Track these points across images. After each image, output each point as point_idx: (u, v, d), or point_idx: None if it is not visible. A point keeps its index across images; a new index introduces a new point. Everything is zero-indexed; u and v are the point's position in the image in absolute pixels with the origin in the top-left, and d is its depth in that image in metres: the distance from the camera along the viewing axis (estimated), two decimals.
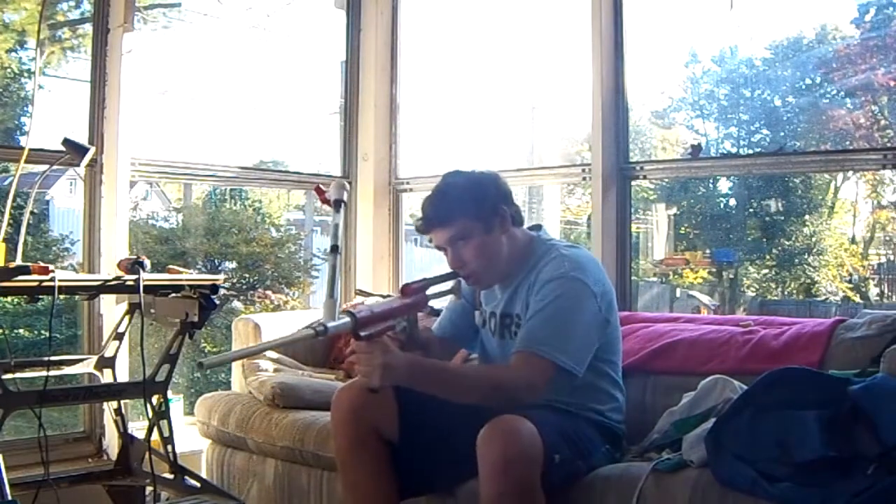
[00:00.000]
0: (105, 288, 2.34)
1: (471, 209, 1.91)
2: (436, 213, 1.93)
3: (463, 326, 2.14)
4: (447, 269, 2.00)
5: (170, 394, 2.44)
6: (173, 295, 2.34)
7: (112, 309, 2.75)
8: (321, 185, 1.98)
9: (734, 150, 8.15)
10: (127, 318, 2.49)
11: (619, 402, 2.03)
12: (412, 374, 1.72)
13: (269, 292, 5.74)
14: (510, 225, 1.96)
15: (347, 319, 1.62)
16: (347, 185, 2.03)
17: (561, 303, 1.85)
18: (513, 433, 1.68)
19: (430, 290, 1.92)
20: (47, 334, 2.36)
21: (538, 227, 2.08)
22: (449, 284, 2.03)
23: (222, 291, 3.29)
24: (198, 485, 2.35)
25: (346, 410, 1.92)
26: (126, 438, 2.49)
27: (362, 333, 1.64)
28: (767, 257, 7.86)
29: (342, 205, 1.94)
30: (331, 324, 1.59)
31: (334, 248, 1.85)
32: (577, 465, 1.85)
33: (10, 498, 1.99)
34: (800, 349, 2.19)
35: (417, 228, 2.00)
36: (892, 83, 6.76)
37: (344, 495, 1.99)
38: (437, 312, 3.00)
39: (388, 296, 3.33)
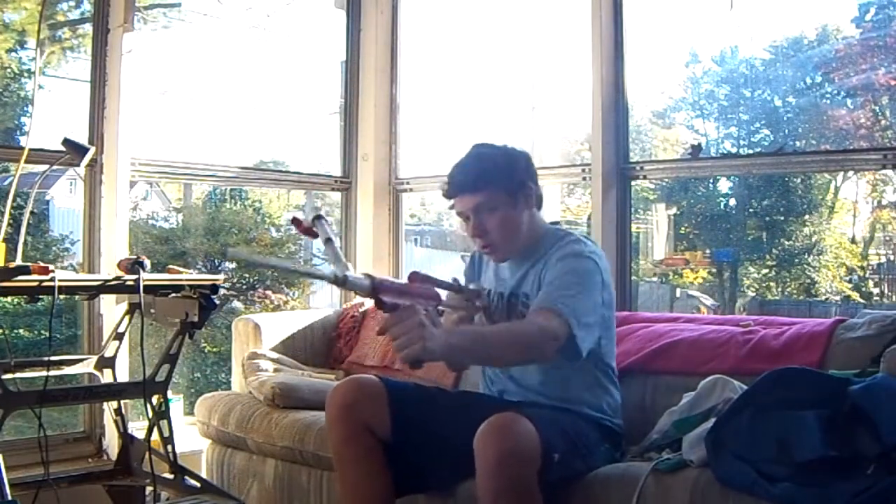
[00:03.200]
0: (105, 288, 2.35)
1: (501, 181, 1.92)
2: (466, 179, 1.93)
3: None
4: (448, 274, 2.00)
5: (170, 394, 2.45)
6: (173, 295, 2.34)
7: (112, 309, 2.75)
8: (296, 217, 1.90)
9: (734, 150, 8.14)
10: (127, 318, 2.49)
11: (616, 402, 2.04)
12: (450, 341, 1.58)
13: (269, 292, 5.74)
14: (534, 204, 1.98)
15: (365, 279, 1.50)
16: (318, 203, 1.98)
17: (581, 273, 1.87)
18: (509, 431, 1.68)
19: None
20: (47, 334, 2.36)
21: (556, 223, 2.11)
22: (471, 286, 2.02)
23: (222, 291, 3.30)
24: (198, 485, 2.36)
25: (338, 407, 1.93)
26: (126, 438, 2.49)
27: (386, 300, 1.51)
28: (767, 257, 7.86)
29: (321, 218, 1.84)
30: (351, 275, 1.48)
31: (328, 241, 1.76)
32: (576, 465, 1.85)
33: (10, 498, 1.99)
34: (800, 349, 2.19)
35: (443, 193, 1.99)
36: (892, 83, 6.76)
37: (340, 492, 2.00)
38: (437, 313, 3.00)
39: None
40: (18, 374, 2.18)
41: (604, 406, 2.00)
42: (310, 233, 1.83)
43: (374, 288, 1.49)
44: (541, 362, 1.84)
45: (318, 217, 1.84)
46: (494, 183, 1.92)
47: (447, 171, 2.01)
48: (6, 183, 3.84)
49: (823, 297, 7.50)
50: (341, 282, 1.47)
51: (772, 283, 7.85)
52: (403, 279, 3.81)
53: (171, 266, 2.49)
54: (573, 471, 1.85)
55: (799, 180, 7.60)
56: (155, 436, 2.37)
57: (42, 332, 4.45)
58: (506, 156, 1.97)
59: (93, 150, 2.45)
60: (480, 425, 1.71)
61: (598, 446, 1.94)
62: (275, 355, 2.87)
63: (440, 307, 1.78)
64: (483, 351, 1.73)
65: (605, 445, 1.96)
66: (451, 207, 2.00)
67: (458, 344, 1.62)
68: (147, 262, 2.30)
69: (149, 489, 2.36)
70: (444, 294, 1.98)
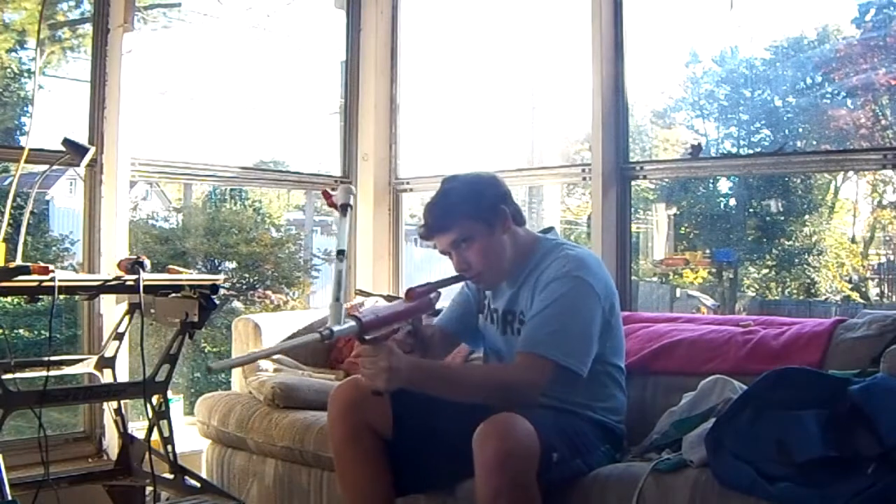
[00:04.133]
0: (105, 288, 2.35)
1: (470, 211, 1.92)
2: (435, 220, 1.94)
3: (465, 322, 2.15)
4: (450, 271, 2.01)
5: (170, 394, 2.45)
6: (173, 295, 2.34)
7: (112, 309, 2.75)
8: (328, 189, 1.97)
9: (734, 150, 8.14)
10: (127, 318, 2.49)
11: (620, 402, 2.03)
12: (416, 377, 1.73)
13: (269, 292, 5.74)
14: (511, 224, 1.97)
15: (353, 324, 1.63)
16: (354, 190, 2.03)
17: (563, 302, 1.86)
18: (508, 430, 1.68)
19: (434, 294, 1.93)
20: (47, 334, 2.35)
21: (550, 230, 2.10)
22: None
23: (222, 291, 3.29)
24: (198, 485, 2.36)
25: (340, 406, 1.94)
26: (126, 438, 2.49)
27: (367, 337, 1.65)
28: (767, 257, 7.86)
29: (349, 209, 1.93)
30: (336, 328, 1.59)
31: (340, 253, 1.84)
32: (575, 465, 1.85)
33: (10, 498, 1.99)
34: (800, 349, 2.19)
35: (420, 235, 2.01)
36: (892, 83, 6.76)
37: (341, 490, 2.00)
38: (437, 312, 3.00)
39: (390, 296, 3.33)
40: (18, 374, 2.18)
41: (605, 406, 2.00)
42: (334, 206, 1.92)
43: (361, 331, 1.64)
44: (515, 407, 1.81)
45: (347, 206, 1.90)
46: (464, 215, 1.91)
47: (445, 173, 2.02)
48: (6, 183, 3.84)
49: (823, 297, 7.50)
50: (328, 337, 1.57)
51: (772, 284, 7.85)
52: (403, 279, 3.82)
53: (171, 266, 2.49)
54: (572, 471, 1.85)
55: (799, 180, 7.60)
56: (155, 436, 2.37)
57: (42, 332, 4.45)
58: (470, 184, 1.96)
59: (93, 150, 2.45)
60: (478, 424, 1.71)
61: (598, 447, 1.94)
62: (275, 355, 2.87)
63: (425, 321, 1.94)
64: (448, 389, 1.82)
65: (605, 446, 1.96)
66: (435, 247, 2.00)
67: (422, 379, 1.76)
68: (147, 262, 2.30)
69: (149, 489, 2.36)
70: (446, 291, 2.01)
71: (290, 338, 2.95)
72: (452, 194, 1.95)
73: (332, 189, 1.97)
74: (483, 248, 1.93)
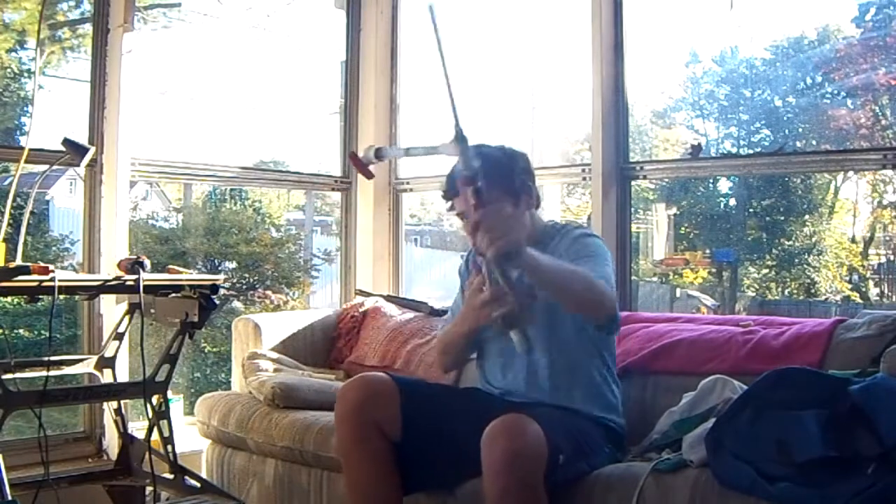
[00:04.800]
0: (105, 288, 2.35)
1: (503, 179, 1.91)
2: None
3: None
4: (450, 272, 2.00)
5: (170, 394, 2.45)
6: (173, 295, 2.34)
7: (112, 309, 2.75)
8: (355, 153, 1.93)
9: (734, 150, 8.14)
10: (127, 318, 2.49)
11: (617, 403, 2.05)
12: (535, 255, 1.64)
13: (269, 292, 5.74)
14: (534, 204, 1.99)
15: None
16: (372, 145, 1.96)
17: (600, 251, 1.93)
18: (517, 431, 1.68)
19: None
20: (47, 334, 2.35)
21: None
22: None
23: (222, 291, 3.30)
24: (198, 485, 2.36)
25: (350, 405, 1.92)
26: (126, 438, 2.49)
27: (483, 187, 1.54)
28: (767, 257, 7.86)
29: (381, 151, 1.87)
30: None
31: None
32: (580, 466, 1.85)
33: (10, 498, 1.99)
34: (800, 349, 2.19)
35: (443, 194, 1.99)
36: (893, 83, 6.75)
37: (346, 491, 1.99)
38: (438, 312, 3.01)
39: (390, 297, 3.33)
40: (18, 374, 2.18)
41: (606, 406, 2.00)
42: (366, 171, 1.88)
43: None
44: (594, 315, 1.83)
45: (379, 151, 1.83)
46: (494, 183, 1.91)
47: (447, 172, 2.01)
48: (6, 183, 3.84)
49: (823, 297, 7.50)
50: (461, 139, 1.51)
51: (772, 284, 7.85)
52: (403, 279, 3.81)
53: (171, 266, 2.49)
54: (577, 472, 1.85)
55: (799, 180, 7.60)
56: (155, 436, 2.37)
57: (42, 332, 4.45)
58: (506, 155, 1.98)
59: (93, 150, 2.45)
60: (485, 426, 1.71)
61: (602, 447, 1.94)
62: (275, 355, 2.87)
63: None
64: (559, 275, 1.73)
65: (608, 447, 1.96)
66: (450, 209, 1.99)
67: (544, 261, 1.67)
68: (147, 262, 2.30)
69: (149, 489, 2.36)
70: None
71: (287, 341, 2.96)
72: (487, 158, 1.92)
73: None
74: None
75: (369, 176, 1.97)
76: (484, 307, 1.67)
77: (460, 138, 1.53)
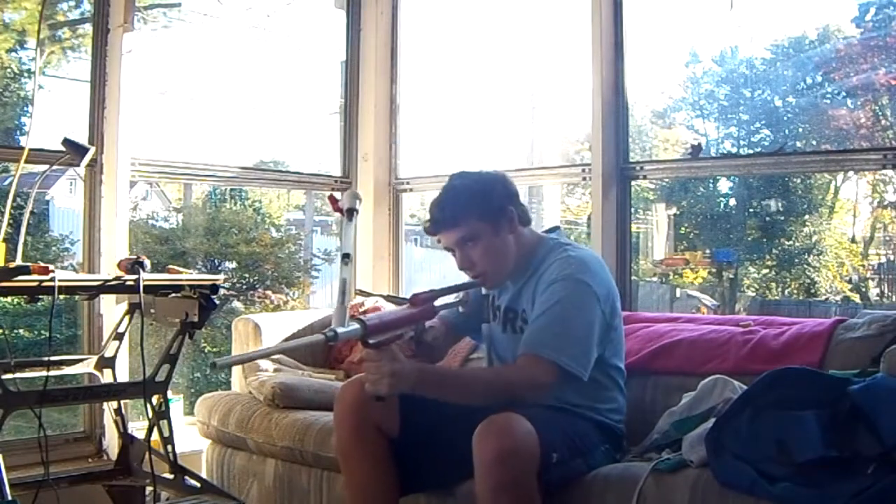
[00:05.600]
0: (105, 288, 2.34)
1: (478, 210, 1.92)
2: (443, 216, 1.93)
3: (471, 316, 2.14)
4: (451, 271, 2.01)
5: (170, 394, 2.44)
6: (173, 295, 2.34)
7: (112, 309, 2.75)
8: (334, 195, 1.98)
9: (734, 150, 8.14)
10: (127, 318, 2.49)
11: (619, 404, 2.04)
12: (420, 382, 1.73)
13: (269, 292, 5.74)
14: (518, 225, 1.98)
15: (357, 326, 1.63)
16: (361, 195, 2.03)
17: (565, 304, 1.86)
18: (507, 430, 1.69)
19: (438, 302, 1.93)
20: (47, 334, 2.35)
21: (554, 230, 2.11)
22: (457, 296, 2.05)
23: (222, 291, 3.29)
24: (198, 485, 2.36)
25: (348, 404, 1.93)
26: (126, 438, 2.49)
27: (371, 341, 1.66)
28: (767, 257, 7.86)
29: (354, 213, 1.94)
30: (341, 330, 1.60)
31: (346, 256, 1.85)
32: (575, 465, 1.85)
33: (10, 498, 1.99)
34: (800, 349, 2.19)
35: (426, 230, 2.01)
36: (893, 83, 6.75)
37: (345, 489, 2.00)
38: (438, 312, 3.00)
39: (390, 297, 3.33)
40: (18, 374, 2.18)
41: (605, 407, 2.00)
42: (340, 211, 1.94)
43: (365, 334, 1.64)
44: (521, 405, 1.82)
45: (353, 210, 1.92)
46: (472, 213, 1.91)
47: (445, 173, 2.02)
48: (6, 183, 3.84)
49: (823, 298, 7.50)
50: (332, 339, 1.59)
51: (772, 284, 7.85)
52: (403, 279, 3.81)
53: (171, 266, 2.49)
54: (573, 471, 1.84)
55: (799, 180, 7.60)
56: (155, 436, 2.37)
57: (42, 332, 4.45)
58: (480, 183, 1.96)
59: (93, 150, 2.44)
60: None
61: (599, 447, 1.94)
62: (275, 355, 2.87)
63: (428, 324, 1.93)
64: (452, 393, 1.81)
65: (605, 446, 1.96)
66: (439, 242, 2.00)
67: (426, 384, 1.75)
68: (147, 263, 2.30)
69: (149, 489, 2.36)
70: (449, 299, 2.02)
71: (292, 337, 2.96)
72: (462, 191, 1.94)
73: (336, 190, 1.98)
74: (487, 248, 1.93)
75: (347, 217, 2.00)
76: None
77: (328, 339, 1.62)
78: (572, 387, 1.88)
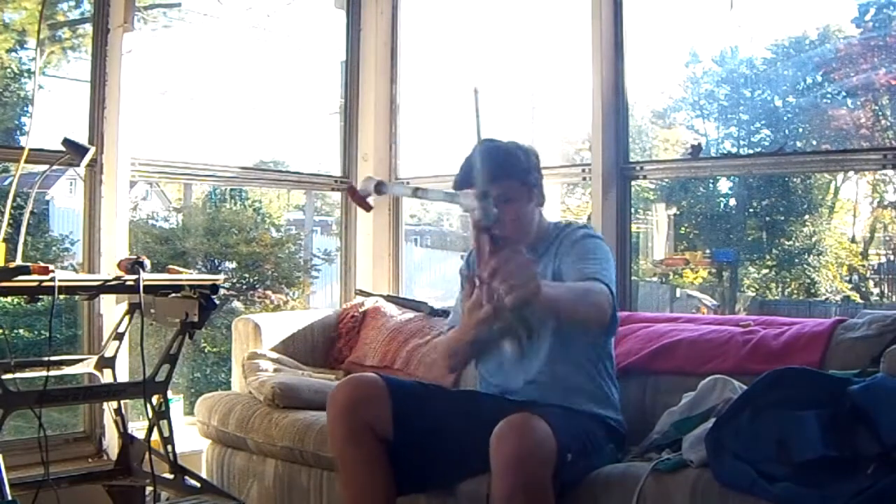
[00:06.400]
0: (105, 288, 2.35)
1: (520, 173, 1.95)
2: (490, 165, 1.81)
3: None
4: (450, 271, 2.00)
5: (170, 394, 2.45)
6: (173, 295, 2.34)
7: (112, 309, 2.75)
8: (353, 185, 1.93)
9: (734, 150, 8.13)
10: (127, 318, 2.49)
11: (614, 395, 2.06)
12: (547, 286, 1.66)
13: (269, 292, 5.74)
14: (542, 201, 2.02)
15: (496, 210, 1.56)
16: (373, 177, 1.94)
17: (600, 252, 1.94)
18: (526, 431, 1.68)
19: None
20: (47, 334, 2.36)
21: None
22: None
23: (222, 291, 3.29)
24: (198, 485, 2.36)
25: (341, 405, 1.93)
26: (126, 438, 2.49)
27: (497, 234, 1.55)
28: (767, 257, 7.85)
29: (383, 184, 1.88)
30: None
31: (416, 191, 1.84)
32: (584, 465, 1.86)
33: (10, 498, 1.99)
34: (800, 349, 2.19)
35: (459, 181, 1.92)
36: (893, 83, 6.75)
37: (341, 490, 2.00)
38: (438, 312, 3.01)
39: (390, 297, 3.33)
40: (18, 374, 2.18)
41: (607, 404, 2.01)
42: (365, 204, 1.88)
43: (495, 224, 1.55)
44: (597, 323, 1.85)
45: (381, 185, 1.85)
46: (513, 174, 1.93)
47: (448, 171, 2.01)
48: (6, 183, 3.84)
49: (823, 297, 7.49)
50: (484, 196, 1.53)
51: (772, 284, 7.85)
52: (403, 279, 3.80)
53: (171, 266, 2.49)
54: (581, 471, 1.85)
55: (799, 180, 7.60)
56: (155, 436, 2.37)
57: (42, 332, 4.45)
58: (521, 149, 2.00)
59: (93, 150, 2.45)
60: (486, 424, 1.71)
61: (605, 446, 1.95)
62: (275, 355, 2.87)
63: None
64: (568, 301, 1.77)
65: (610, 445, 1.97)
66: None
67: (553, 290, 1.70)
68: (147, 263, 2.30)
69: (149, 489, 2.36)
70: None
71: (287, 341, 2.96)
72: (503, 151, 1.95)
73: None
74: (519, 211, 1.95)
75: (368, 208, 1.94)
76: (482, 323, 1.70)
77: (483, 195, 1.56)
78: (573, 382, 1.90)
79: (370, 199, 1.89)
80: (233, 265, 5.79)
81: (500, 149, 1.96)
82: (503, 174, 1.90)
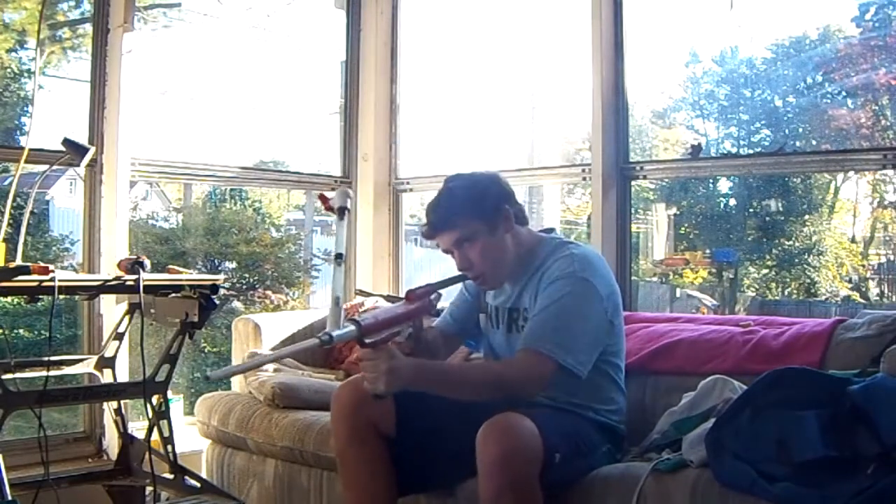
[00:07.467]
0: (105, 288, 2.35)
1: (473, 210, 1.92)
2: (439, 218, 1.94)
3: (465, 322, 2.16)
4: (450, 271, 2.01)
5: (170, 394, 2.45)
6: (173, 295, 2.34)
7: (112, 309, 2.75)
8: (325, 193, 1.99)
9: (734, 150, 8.13)
10: (127, 318, 2.49)
11: (619, 404, 2.04)
12: (417, 378, 1.74)
13: (269, 292, 5.74)
14: (514, 224, 1.97)
15: (353, 328, 1.64)
16: (351, 193, 2.03)
17: (567, 301, 1.86)
18: (512, 430, 1.69)
19: (434, 296, 1.94)
20: (47, 334, 2.36)
21: (550, 231, 2.10)
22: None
23: (222, 291, 3.29)
24: (198, 485, 2.36)
25: (345, 405, 1.94)
26: (126, 438, 2.49)
27: (367, 340, 1.66)
28: (767, 257, 7.85)
29: (346, 212, 1.95)
30: (336, 333, 1.62)
31: (339, 256, 1.87)
32: (577, 465, 1.85)
33: (10, 498, 1.99)
34: (800, 349, 2.19)
35: (423, 234, 2.02)
36: (893, 83, 6.75)
37: (343, 490, 2.00)
38: (437, 313, 3.01)
39: (390, 297, 3.33)
40: (18, 374, 2.18)
41: (605, 407, 2.00)
42: (331, 210, 1.96)
43: (361, 335, 1.65)
44: (518, 401, 1.83)
45: (345, 209, 1.94)
46: (467, 214, 1.92)
47: (445, 173, 2.03)
48: (6, 183, 3.84)
49: (823, 298, 7.49)
50: (328, 343, 1.60)
51: (772, 284, 7.85)
52: (403, 279, 3.81)
53: (171, 266, 2.49)
54: (575, 471, 1.85)
55: (799, 180, 7.60)
56: (155, 436, 2.37)
57: (42, 332, 4.45)
58: (473, 184, 1.97)
59: (93, 150, 2.45)
60: (480, 424, 1.72)
61: (600, 447, 1.94)
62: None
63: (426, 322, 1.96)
64: (449, 388, 1.82)
65: (606, 446, 1.96)
66: (437, 246, 2.00)
67: (424, 380, 1.77)
68: (147, 263, 2.30)
69: (149, 489, 2.36)
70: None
71: (290, 338, 2.96)
72: (456, 193, 1.95)
73: (332, 188, 1.98)
74: (485, 247, 1.93)
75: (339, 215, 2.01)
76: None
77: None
78: (572, 386, 1.88)
79: (335, 211, 1.97)
80: (233, 265, 5.79)
81: (451, 192, 1.95)
82: (456, 219, 1.91)
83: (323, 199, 2.00)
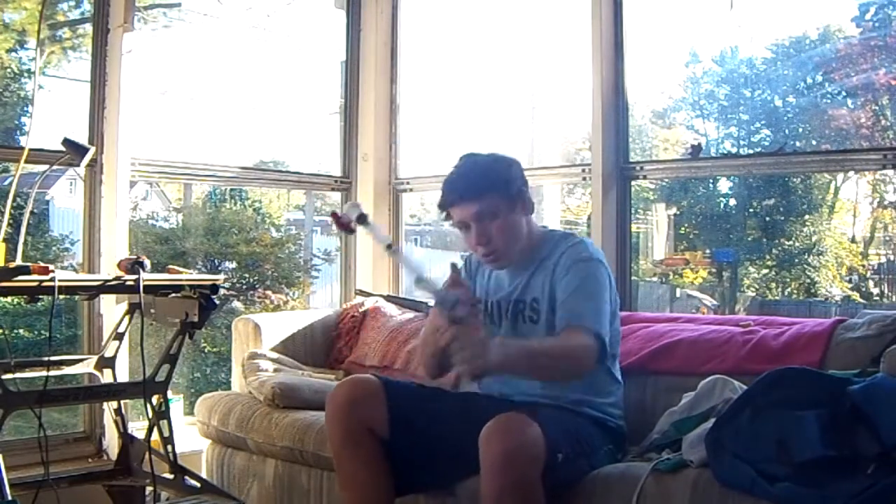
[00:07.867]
0: (105, 288, 2.35)
1: (500, 186, 1.93)
2: (467, 188, 1.93)
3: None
4: (444, 270, 2.01)
5: (170, 394, 2.45)
6: (173, 295, 2.34)
7: (112, 309, 2.75)
8: (336, 212, 1.98)
9: (734, 150, 8.13)
10: (127, 318, 2.49)
11: (617, 396, 2.05)
12: (507, 355, 1.71)
13: (269, 292, 5.74)
14: (530, 210, 2.00)
15: (453, 296, 1.64)
16: (359, 203, 2.03)
17: (594, 282, 1.92)
18: (515, 430, 1.69)
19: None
20: (47, 334, 2.36)
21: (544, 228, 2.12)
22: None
23: (222, 291, 3.29)
24: (198, 485, 2.36)
25: (339, 405, 1.94)
26: (126, 438, 2.49)
27: (460, 314, 1.63)
28: (767, 257, 7.85)
29: (366, 217, 1.95)
30: (447, 293, 1.65)
31: (388, 247, 1.97)
32: (580, 465, 1.86)
33: (10, 498, 1.99)
34: (800, 349, 2.19)
35: (443, 202, 1.98)
36: (893, 83, 6.75)
37: (340, 490, 2.00)
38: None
39: (390, 297, 3.33)
40: (18, 374, 2.18)
41: (607, 406, 2.01)
42: (347, 229, 1.96)
43: (455, 304, 1.63)
44: (580, 376, 1.87)
45: (364, 216, 1.94)
46: (494, 189, 1.93)
47: (446, 173, 2.02)
48: (6, 183, 3.84)
49: (823, 297, 7.49)
50: (440, 298, 1.62)
51: (772, 284, 7.84)
52: (403, 280, 3.81)
53: (171, 266, 2.49)
54: (577, 471, 1.85)
55: (799, 180, 7.60)
56: (155, 436, 2.38)
57: (42, 332, 4.45)
58: (501, 162, 1.99)
59: (93, 150, 2.45)
60: (484, 425, 1.72)
61: (602, 447, 1.94)
62: (275, 355, 2.87)
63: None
64: (535, 365, 1.80)
65: (608, 446, 1.97)
66: (447, 218, 2.00)
67: (514, 358, 1.73)
68: (147, 262, 2.30)
69: (149, 489, 2.36)
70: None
71: (287, 341, 2.97)
72: (484, 166, 1.96)
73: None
74: (505, 225, 1.94)
75: (350, 232, 2.03)
76: (443, 345, 1.69)
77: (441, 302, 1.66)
78: (573, 385, 1.89)
79: (352, 225, 1.96)
80: (233, 265, 5.79)
81: (477, 165, 1.97)
82: (483, 191, 1.92)
83: (336, 217, 1.97)
